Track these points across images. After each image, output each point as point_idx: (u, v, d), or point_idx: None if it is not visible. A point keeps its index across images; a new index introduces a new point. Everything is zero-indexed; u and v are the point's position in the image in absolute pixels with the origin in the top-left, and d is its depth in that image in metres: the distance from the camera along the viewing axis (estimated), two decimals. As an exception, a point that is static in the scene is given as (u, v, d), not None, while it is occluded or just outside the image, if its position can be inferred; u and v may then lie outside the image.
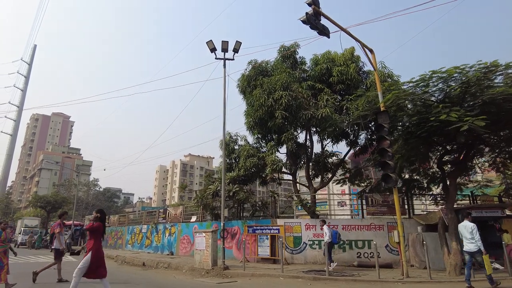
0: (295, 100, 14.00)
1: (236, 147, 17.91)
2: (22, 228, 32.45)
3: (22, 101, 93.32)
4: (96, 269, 6.23)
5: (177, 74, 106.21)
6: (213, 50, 13.84)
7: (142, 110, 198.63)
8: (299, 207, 17.07)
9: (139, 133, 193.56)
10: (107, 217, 30.90)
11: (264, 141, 17.40)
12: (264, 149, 17.18)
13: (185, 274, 11.89)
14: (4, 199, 75.03)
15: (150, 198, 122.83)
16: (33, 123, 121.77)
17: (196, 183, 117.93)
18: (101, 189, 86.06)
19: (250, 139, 17.94)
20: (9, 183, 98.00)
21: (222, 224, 12.39)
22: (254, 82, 15.58)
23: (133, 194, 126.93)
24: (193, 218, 18.80)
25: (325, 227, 11.96)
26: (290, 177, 17.78)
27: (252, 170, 15.63)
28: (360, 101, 11.49)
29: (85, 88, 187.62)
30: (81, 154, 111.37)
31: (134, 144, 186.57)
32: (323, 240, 12.10)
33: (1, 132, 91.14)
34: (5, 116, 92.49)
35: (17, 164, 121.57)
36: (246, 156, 15.88)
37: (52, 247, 9.97)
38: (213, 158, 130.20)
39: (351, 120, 12.64)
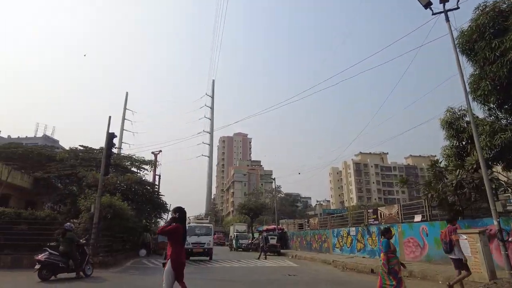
0: None
1: (464, 124, 14.02)
2: (235, 233, 36.78)
3: (211, 128, 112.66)
4: (178, 278, 5.33)
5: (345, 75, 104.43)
6: (428, 4, 11.00)
7: (303, 115, 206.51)
8: None
9: (304, 139, 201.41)
10: (306, 221, 31.37)
11: (502, 111, 12.97)
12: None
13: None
14: (212, 209, 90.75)
15: (328, 201, 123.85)
16: (222, 145, 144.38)
17: (373, 182, 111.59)
18: (283, 195, 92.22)
19: (478, 113, 13.72)
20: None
21: (495, 223, 9.13)
22: (493, 29, 11.60)
23: (310, 198, 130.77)
24: (417, 218, 15.80)
25: None
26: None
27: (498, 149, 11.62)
28: None
29: (253, 105, 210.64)
30: (262, 165, 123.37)
31: (301, 150, 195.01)
32: None
33: (202, 155, 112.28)
34: (202, 142, 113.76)
35: (215, 180, 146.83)
36: (489, 132, 11.97)
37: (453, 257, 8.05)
38: (387, 153, 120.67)
39: None
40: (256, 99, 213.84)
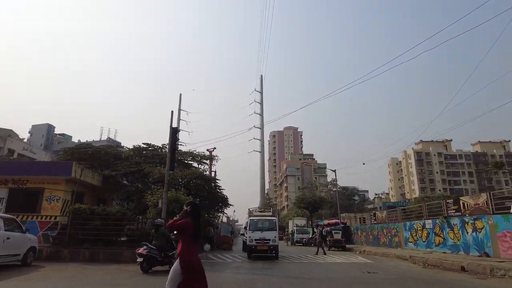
0: None
1: None
2: (294, 228, 35.98)
3: (261, 123, 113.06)
4: (190, 284, 4.48)
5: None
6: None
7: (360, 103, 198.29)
8: None
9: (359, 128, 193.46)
10: (372, 214, 29.56)
11: None
12: None
13: None
14: (267, 204, 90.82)
15: (387, 194, 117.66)
16: (272, 139, 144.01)
17: (437, 172, 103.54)
18: (339, 189, 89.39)
19: None
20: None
21: None
22: None
23: (367, 191, 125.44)
24: (516, 208, 13.64)
25: None
26: None
27: None
28: None
29: (303, 99, 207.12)
30: (314, 159, 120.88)
31: (356, 142, 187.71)
32: None
33: (254, 151, 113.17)
34: (254, 138, 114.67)
35: (267, 175, 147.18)
36: None
37: None
38: (450, 140, 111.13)
39: None
40: (306, 93, 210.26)
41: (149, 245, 10.70)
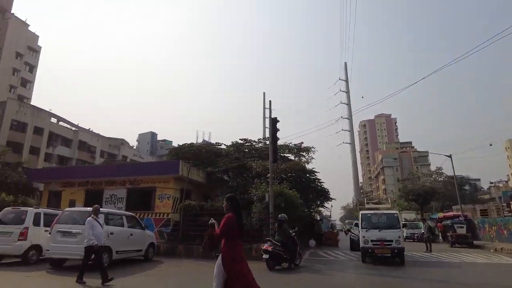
0: None
1: None
2: (402, 222, 32.43)
3: (349, 113, 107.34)
4: (231, 282, 4.13)
5: None
6: None
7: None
8: None
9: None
10: (504, 204, 24.79)
11: None
12: None
13: None
14: (363, 198, 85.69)
15: (506, 181, 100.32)
16: (363, 129, 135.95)
17: None
18: (445, 178, 79.27)
19: None
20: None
21: None
22: None
23: (479, 179, 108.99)
24: None
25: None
26: None
27: None
28: None
29: (392, 84, 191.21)
30: (413, 147, 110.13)
31: (460, 125, 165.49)
32: None
33: (343, 143, 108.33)
34: (342, 129, 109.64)
35: (360, 168, 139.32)
36: None
37: None
38: None
39: None
40: (394, 77, 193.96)
41: (273, 241, 10.35)
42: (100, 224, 7.84)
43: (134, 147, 70.15)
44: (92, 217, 7.69)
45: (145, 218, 16.04)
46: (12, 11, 46.10)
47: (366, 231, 12.67)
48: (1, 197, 20.73)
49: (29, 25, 51.69)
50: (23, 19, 50.17)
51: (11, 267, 9.82)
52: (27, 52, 50.18)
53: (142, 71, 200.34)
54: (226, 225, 4.38)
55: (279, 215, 11.22)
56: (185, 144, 23.89)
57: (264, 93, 38.99)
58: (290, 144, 21.32)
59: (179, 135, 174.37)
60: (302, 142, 25.60)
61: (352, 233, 18.97)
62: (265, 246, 10.26)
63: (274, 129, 13.76)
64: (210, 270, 10.30)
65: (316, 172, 21.84)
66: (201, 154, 22.19)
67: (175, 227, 15.69)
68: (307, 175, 21.09)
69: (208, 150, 23.07)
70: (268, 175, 14.13)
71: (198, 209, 14.86)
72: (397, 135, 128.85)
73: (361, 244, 12.66)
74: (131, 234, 10.86)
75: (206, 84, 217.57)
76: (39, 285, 7.56)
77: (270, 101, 14.28)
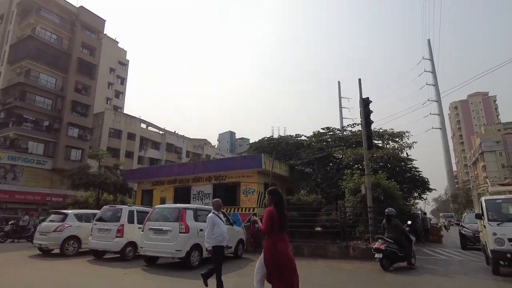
0: None
1: None
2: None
3: (437, 94, 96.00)
4: (271, 278, 4.07)
5: None
6: None
7: None
8: None
9: None
10: None
11: None
12: None
13: None
14: (462, 189, 76.15)
15: None
16: (454, 112, 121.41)
17: None
18: None
19: None
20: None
21: None
22: None
23: None
24: None
25: None
26: None
27: None
28: None
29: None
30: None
31: None
32: None
33: (432, 128, 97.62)
34: (430, 113, 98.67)
35: (453, 155, 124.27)
36: None
37: None
38: None
39: None
40: (486, 52, 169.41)
41: (386, 239, 9.12)
42: (223, 221, 6.83)
43: (216, 147, 73.25)
44: (213, 213, 6.69)
45: (231, 214, 15.76)
46: (104, 32, 51.30)
47: (498, 225, 8.41)
48: (104, 196, 22.76)
49: (118, 42, 57.32)
50: (113, 37, 55.78)
51: (111, 262, 10.12)
52: (118, 66, 55.59)
53: (219, 75, 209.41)
54: (267, 220, 4.22)
55: (387, 210, 9.78)
56: (264, 138, 23.27)
57: (339, 82, 36.75)
58: (380, 130, 19.08)
59: (256, 132, 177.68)
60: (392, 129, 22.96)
61: (464, 227, 16.12)
62: (376, 244, 9.15)
63: (366, 111, 12.08)
64: (313, 268, 9.48)
65: (412, 159, 19.24)
66: (282, 147, 21.32)
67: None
68: (402, 163, 18.70)
69: (288, 142, 22.08)
70: (359, 164, 12.58)
71: (284, 203, 13.94)
72: (497, 115, 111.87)
73: (491, 246, 8.32)
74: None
75: (279, 79, 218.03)
76: (135, 284, 7.37)
77: (359, 79, 12.59)
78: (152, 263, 9.71)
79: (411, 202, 22.37)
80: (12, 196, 32.29)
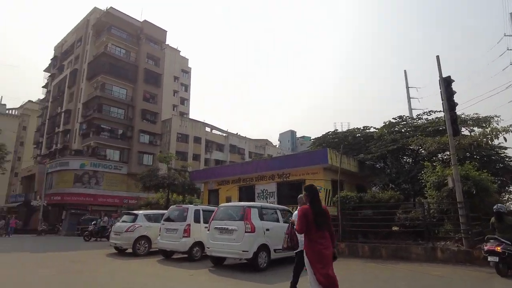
0: None
1: None
2: None
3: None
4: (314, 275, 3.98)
5: None
6: None
7: None
8: None
9: None
10: None
11: None
12: None
13: None
14: None
15: None
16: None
17: None
18: None
19: None
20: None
21: None
22: None
23: None
24: None
25: None
26: None
27: None
28: None
29: None
30: None
31: None
32: None
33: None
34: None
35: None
36: None
37: None
38: None
39: None
40: None
41: (501, 240, 7.68)
42: None
43: (277, 146, 73.03)
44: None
45: (297, 213, 15.01)
46: (166, 42, 54.16)
47: None
48: (173, 197, 23.59)
49: (180, 51, 60.14)
50: (175, 47, 58.66)
51: (179, 262, 10.05)
52: (181, 75, 58.30)
53: (278, 75, 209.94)
54: (301, 219, 4.13)
55: (495, 206, 8.29)
56: (328, 132, 22.00)
57: (405, 71, 33.28)
58: (462, 116, 16.63)
59: (317, 131, 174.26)
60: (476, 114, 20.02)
61: None
62: (488, 246, 7.79)
63: (449, 92, 10.40)
64: (395, 272, 8.35)
65: (505, 147, 16.52)
66: (348, 141, 19.89)
67: (332, 222, 14.01)
68: (493, 152, 16.14)
69: (355, 135, 20.53)
70: (442, 154, 10.90)
71: (357, 201, 12.79)
72: None
73: None
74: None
75: (339, 72, 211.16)
76: (201, 287, 7.02)
77: (437, 56, 10.85)
78: (219, 263, 9.39)
79: (505, 198, 19.35)
80: (96, 199, 35.56)
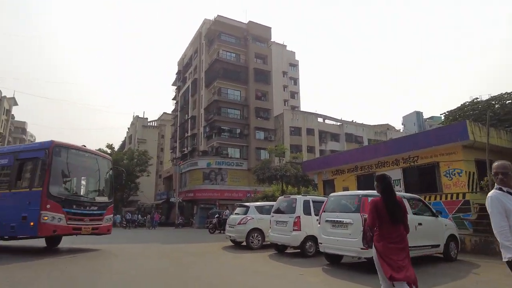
0: None
1: None
2: None
3: None
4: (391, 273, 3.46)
5: None
6: None
7: None
8: None
9: None
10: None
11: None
12: None
13: None
14: None
15: None
16: None
17: None
18: None
19: None
20: None
21: None
22: None
23: None
24: None
25: None
26: None
27: None
28: None
29: None
30: None
31: None
32: None
33: None
34: None
35: None
36: None
37: None
38: None
39: None
40: None
41: None
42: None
43: (401, 130, 65.96)
44: (498, 192, 3.40)
45: (432, 202, 12.41)
46: (272, 39, 54.84)
47: None
48: (288, 189, 23.19)
49: (286, 46, 60.01)
50: (281, 42, 58.85)
51: (291, 258, 9.22)
52: (289, 69, 58.17)
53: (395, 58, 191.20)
54: (370, 211, 3.77)
55: None
56: (464, 103, 17.92)
57: None
58: None
59: (445, 106, 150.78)
60: None
61: None
62: None
63: None
64: None
65: None
66: (494, 111, 15.74)
67: (480, 213, 11.05)
68: None
69: (504, 103, 16.12)
70: None
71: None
72: None
73: None
74: (420, 224, 7.77)
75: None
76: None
77: None
78: (336, 262, 8.17)
79: None
80: (222, 194, 38.47)
